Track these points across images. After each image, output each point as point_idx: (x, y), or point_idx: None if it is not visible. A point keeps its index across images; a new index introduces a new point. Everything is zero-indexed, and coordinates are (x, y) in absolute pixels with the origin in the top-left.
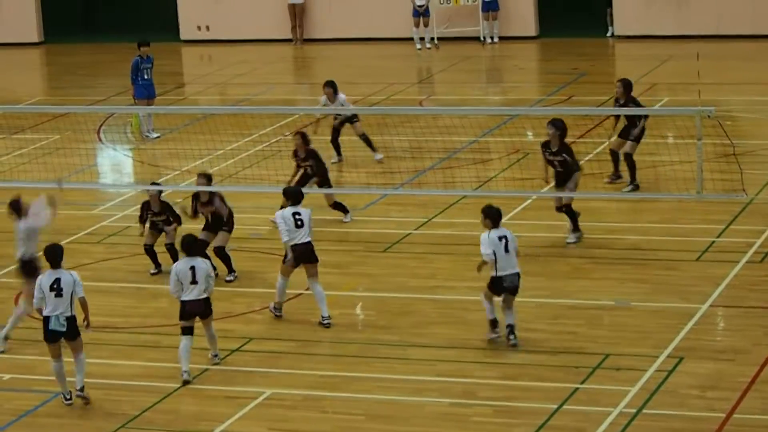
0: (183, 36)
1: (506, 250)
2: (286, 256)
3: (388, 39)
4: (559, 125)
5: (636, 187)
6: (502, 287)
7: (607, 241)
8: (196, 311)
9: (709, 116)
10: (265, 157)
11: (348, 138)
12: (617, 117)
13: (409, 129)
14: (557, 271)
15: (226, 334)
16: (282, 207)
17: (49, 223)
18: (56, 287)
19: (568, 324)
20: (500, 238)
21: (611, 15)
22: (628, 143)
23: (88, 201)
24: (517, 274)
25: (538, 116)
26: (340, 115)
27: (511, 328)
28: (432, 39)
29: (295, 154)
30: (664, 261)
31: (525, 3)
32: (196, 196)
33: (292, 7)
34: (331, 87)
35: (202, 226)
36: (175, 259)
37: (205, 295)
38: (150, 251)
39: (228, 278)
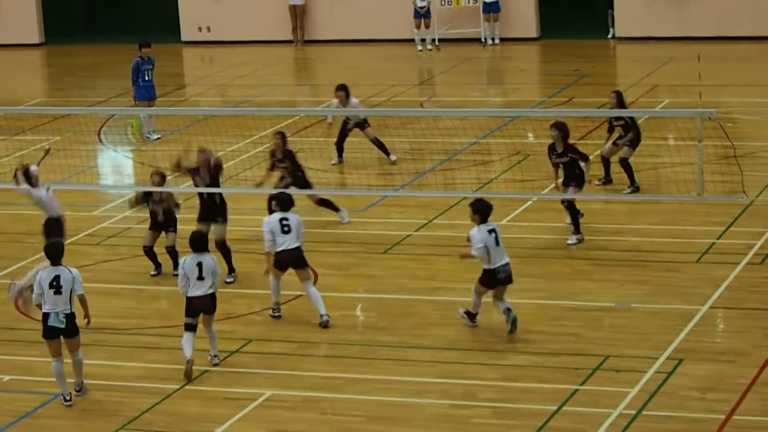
0: (184, 37)
1: (497, 242)
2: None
3: (388, 40)
4: (561, 127)
5: (636, 189)
6: (497, 279)
7: (607, 242)
8: (202, 307)
9: (709, 118)
10: (266, 158)
11: (353, 140)
12: (610, 129)
13: (410, 130)
14: (557, 273)
15: (227, 335)
16: (271, 212)
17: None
18: (56, 284)
19: (568, 325)
20: (490, 232)
21: (612, 16)
22: (625, 149)
23: (88, 202)
24: (508, 263)
25: (539, 118)
26: (350, 119)
27: (508, 311)
28: (433, 40)
29: (273, 154)
30: (664, 263)
31: (526, 4)
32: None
33: (293, 9)
34: (344, 90)
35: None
36: (175, 261)
37: (211, 291)
38: (149, 252)
39: (228, 279)
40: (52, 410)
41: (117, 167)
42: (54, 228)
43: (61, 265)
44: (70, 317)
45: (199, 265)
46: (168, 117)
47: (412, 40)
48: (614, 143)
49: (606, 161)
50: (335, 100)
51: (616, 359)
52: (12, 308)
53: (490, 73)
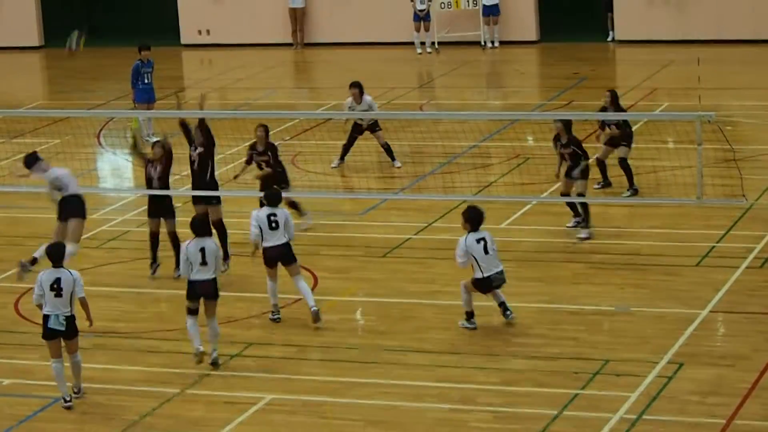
0: (183, 40)
1: (486, 251)
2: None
3: (388, 43)
4: (563, 119)
5: (635, 192)
6: (491, 286)
7: (607, 246)
8: (203, 292)
9: (709, 121)
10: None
11: (359, 143)
12: (602, 127)
13: (410, 133)
14: (557, 277)
15: (227, 339)
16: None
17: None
18: (56, 287)
19: (568, 329)
20: (478, 241)
21: (612, 19)
22: (621, 148)
23: (88, 205)
24: (502, 271)
25: (539, 121)
26: (363, 120)
27: (503, 305)
28: (433, 43)
29: (253, 147)
30: (664, 266)
31: (525, 7)
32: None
33: (293, 11)
34: (357, 87)
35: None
36: (176, 247)
37: (213, 276)
38: (154, 239)
39: (222, 267)
40: (51, 414)
41: (116, 170)
42: (72, 203)
43: (62, 267)
44: (70, 319)
45: (202, 250)
46: (167, 119)
47: (412, 43)
48: (607, 144)
49: (602, 165)
50: (349, 98)
51: (616, 363)
52: (12, 311)
53: (489, 76)
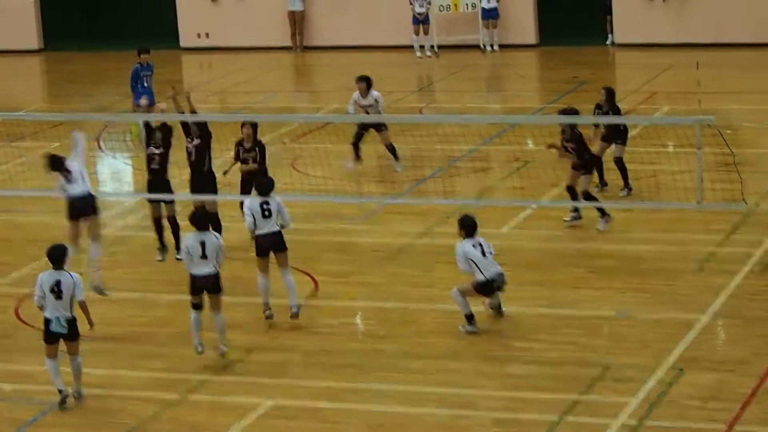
0: (183, 43)
1: (483, 254)
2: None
3: (387, 47)
4: (566, 111)
5: (630, 190)
6: (494, 288)
7: (607, 250)
8: (205, 286)
9: (709, 125)
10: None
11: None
12: (596, 124)
13: (410, 137)
14: (557, 281)
15: (227, 343)
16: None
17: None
18: (56, 290)
19: (569, 334)
20: (474, 246)
21: (611, 23)
22: (616, 146)
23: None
24: (502, 272)
25: (539, 125)
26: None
27: (498, 305)
28: (432, 47)
29: (240, 143)
30: (664, 271)
31: (525, 11)
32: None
33: (292, 15)
34: (365, 81)
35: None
36: (176, 230)
37: (214, 270)
38: (158, 223)
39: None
40: (52, 419)
41: (116, 174)
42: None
43: (63, 269)
44: (72, 322)
45: (202, 244)
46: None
47: (411, 47)
48: (603, 140)
49: (599, 164)
50: (355, 93)
51: (616, 368)
52: (12, 316)
53: (489, 79)
